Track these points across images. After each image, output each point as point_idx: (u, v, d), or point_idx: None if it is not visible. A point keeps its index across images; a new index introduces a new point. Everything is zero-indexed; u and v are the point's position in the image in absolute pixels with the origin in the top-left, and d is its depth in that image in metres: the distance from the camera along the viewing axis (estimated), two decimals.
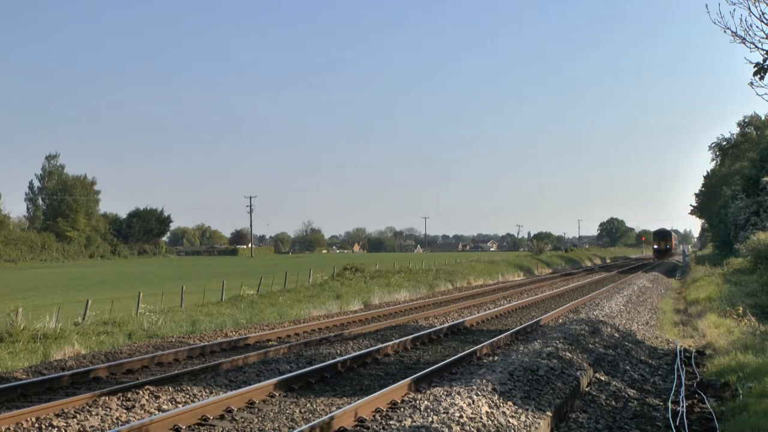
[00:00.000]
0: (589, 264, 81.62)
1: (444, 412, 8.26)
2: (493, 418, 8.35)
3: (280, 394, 10.99)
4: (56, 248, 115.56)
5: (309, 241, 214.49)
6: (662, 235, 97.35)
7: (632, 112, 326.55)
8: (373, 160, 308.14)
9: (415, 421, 8.00)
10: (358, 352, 14.29)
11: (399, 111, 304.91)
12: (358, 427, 8.94)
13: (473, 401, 8.83)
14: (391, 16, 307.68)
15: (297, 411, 10.13)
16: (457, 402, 8.69)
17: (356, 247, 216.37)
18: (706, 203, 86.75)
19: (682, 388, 11.92)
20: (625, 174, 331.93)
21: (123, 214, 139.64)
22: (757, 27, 9.52)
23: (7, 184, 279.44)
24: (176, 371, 12.80)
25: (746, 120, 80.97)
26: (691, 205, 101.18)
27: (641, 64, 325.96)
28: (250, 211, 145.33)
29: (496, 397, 9.29)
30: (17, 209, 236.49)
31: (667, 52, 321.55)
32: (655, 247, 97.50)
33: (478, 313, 23.58)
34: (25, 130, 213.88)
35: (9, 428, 9.07)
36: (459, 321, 20.02)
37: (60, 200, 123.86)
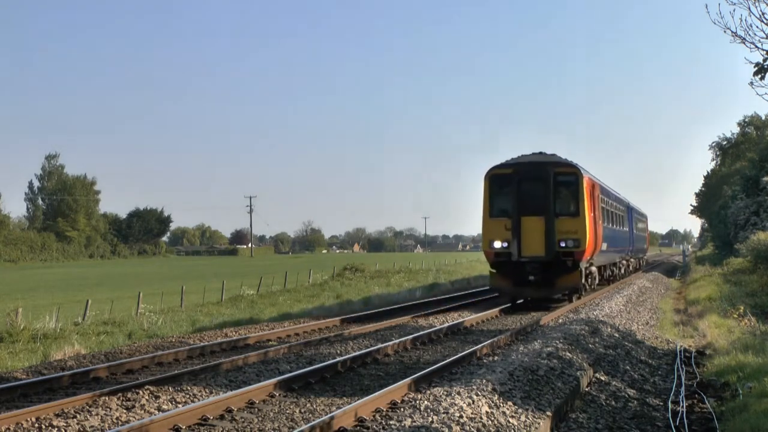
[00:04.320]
0: None
1: (444, 412, 8.26)
2: (493, 418, 8.34)
3: (280, 394, 10.99)
4: (56, 248, 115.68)
5: (309, 241, 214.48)
6: (529, 189, 22.25)
7: (632, 111, 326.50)
8: (373, 160, 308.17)
9: (415, 421, 8.00)
10: (358, 352, 14.28)
11: (399, 110, 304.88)
12: (358, 427, 8.94)
13: (473, 401, 8.82)
14: (392, 15, 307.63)
15: (297, 411, 10.13)
16: (457, 402, 8.69)
17: (356, 247, 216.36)
18: (706, 203, 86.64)
19: (682, 388, 11.92)
20: (624, 173, 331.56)
21: (123, 214, 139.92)
22: (757, 27, 9.53)
23: (7, 184, 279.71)
24: (176, 371, 12.80)
25: (746, 120, 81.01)
26: (691, 205, 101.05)
27: (641, 64, 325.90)
28: (250, 211, 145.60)
29: (496, 397, 9.28)
30: (17, 209, 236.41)
31: (667, 51, 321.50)
32: (494, 245, 22.58)
33: (477, 313, 23.57)
34: (25, 130, 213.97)
35: (9, 428, 9.07)
36: (459, 321, 20.01)
37: (60, 200, 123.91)
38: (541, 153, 23.82)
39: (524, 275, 22.29)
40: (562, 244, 22.17)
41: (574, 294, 23.97)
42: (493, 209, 23.29)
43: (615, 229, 30.47)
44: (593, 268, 25.35)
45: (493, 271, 23.26)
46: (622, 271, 36.54)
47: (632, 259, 41.00)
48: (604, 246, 26.45)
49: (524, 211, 22.33)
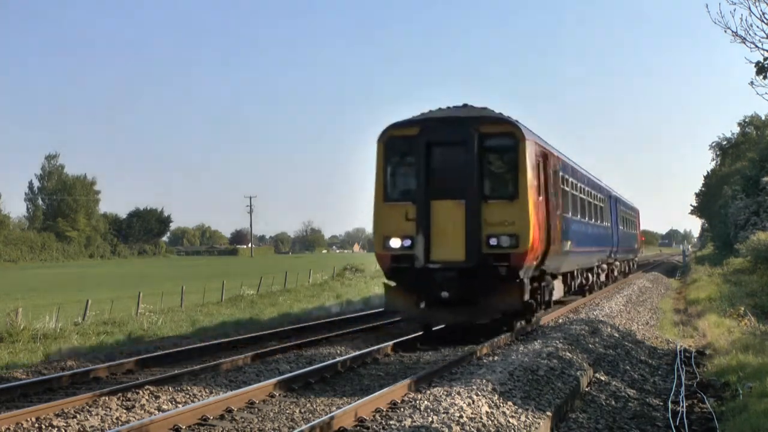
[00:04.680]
0: None
1: (444, 412, 8.25)
2: (493, 418, 8.34)
3: (280, 394, 10.98)
4: (56, 248, 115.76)
5: (309, 241, 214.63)
6: (444, 159, 15.34)
7: (632, 111, 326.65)
8: (372, 159, 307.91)
9: (415, 421, 8.00)
10: (358, 352, 14.26)
11: (399, 109, 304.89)
12: (358, 427, 8.94)
13: (473, 401, 8.82)
14: (392, 11, 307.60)
15: (297, 411, 10.12)
16: (457, 402, 8.69)
17: (356, 247, 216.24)
18: (706, 203, 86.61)
19: (682, 388, 11.92)
20: (624, 174, 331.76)
21: (123, 214, 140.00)
22: (757, 27, 9.56)
23: (7, 184, 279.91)
24: (176, 371, 12.79)
25: (746, 120, 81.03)
26: (691, 205, 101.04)
27: (642, 66, 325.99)
28: (250, 211, 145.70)
29: (496, 397, 9.28)
30: (17, 209, 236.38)
31: (668, 51, 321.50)
32: (391, 245, 15.33)
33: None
34: (25, 130, 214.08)
35: (9, 428, 9.07)
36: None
37: (60, 200, 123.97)
38: (465, 105, 16.04)
39: (436, 290, 14.87)
40: (493, 242, 14.79)
41: (517, 318, 16.29)
42: (389, 190, 15.69)
43: (588, 222, 23.11)
44: (548, 277, 17.48)
45: (391, 283, 15.86)
46: (602, 277, 28.77)
47: (617, 262, 33.22)
48: (568, 245, 18.95)
49: (435, 192, 15.06)
